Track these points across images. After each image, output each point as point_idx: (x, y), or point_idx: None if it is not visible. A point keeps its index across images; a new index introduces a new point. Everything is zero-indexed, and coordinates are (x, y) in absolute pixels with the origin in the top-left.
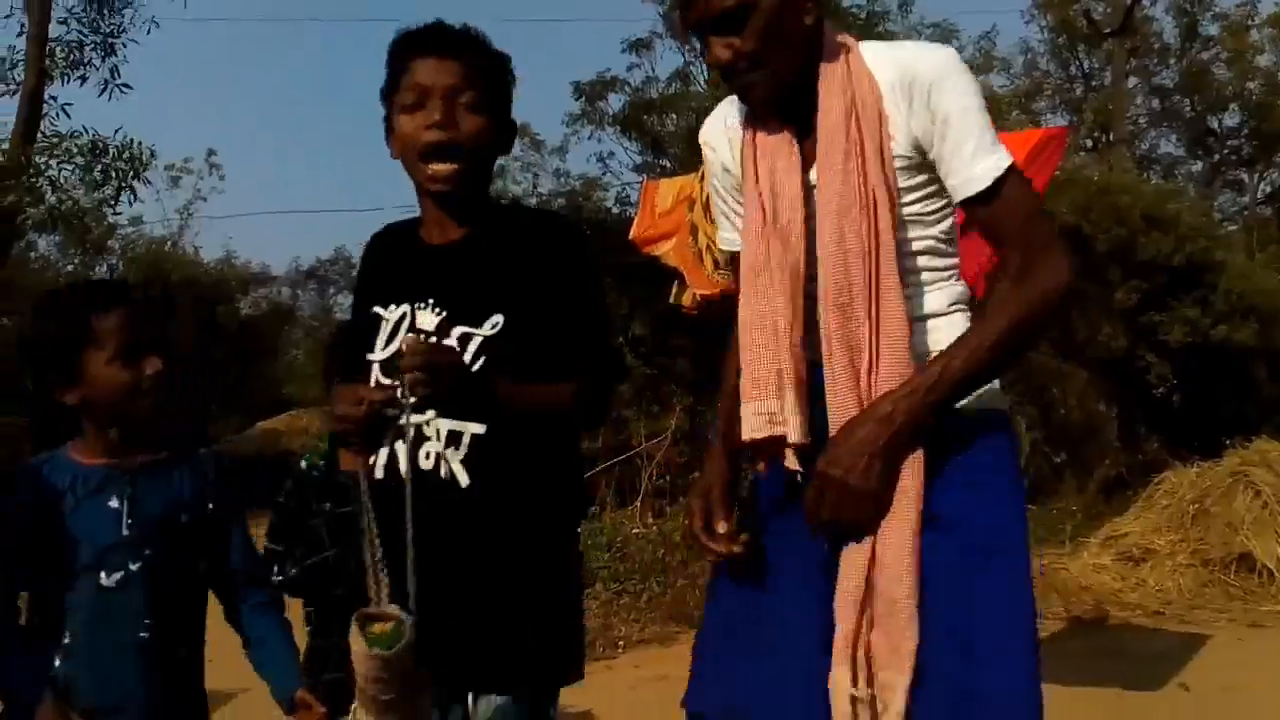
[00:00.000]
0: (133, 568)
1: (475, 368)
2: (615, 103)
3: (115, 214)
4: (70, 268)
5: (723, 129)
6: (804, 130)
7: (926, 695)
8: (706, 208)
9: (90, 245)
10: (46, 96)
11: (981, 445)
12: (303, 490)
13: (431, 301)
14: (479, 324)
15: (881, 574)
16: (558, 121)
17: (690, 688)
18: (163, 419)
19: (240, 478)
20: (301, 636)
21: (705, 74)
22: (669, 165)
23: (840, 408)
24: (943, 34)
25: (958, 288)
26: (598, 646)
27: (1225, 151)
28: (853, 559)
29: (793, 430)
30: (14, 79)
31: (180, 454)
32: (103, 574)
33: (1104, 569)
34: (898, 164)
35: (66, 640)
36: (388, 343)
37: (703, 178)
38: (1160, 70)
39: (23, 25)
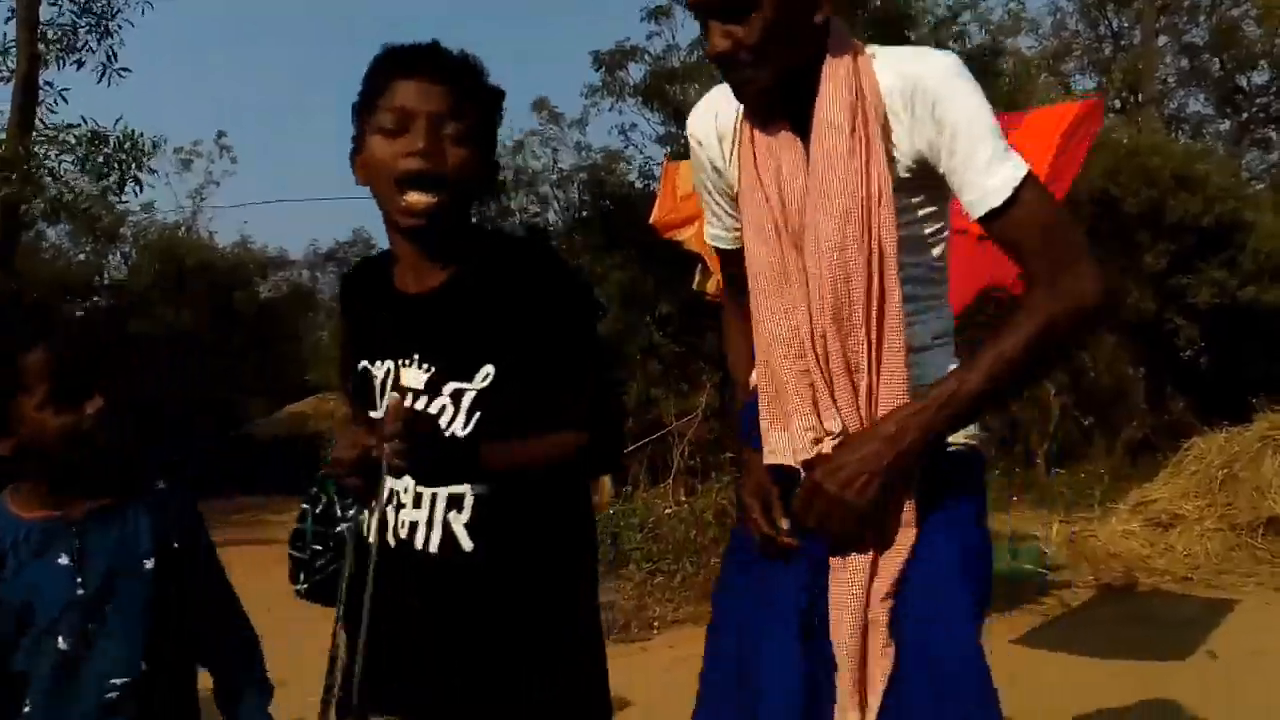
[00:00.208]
0: (91, 627)
1: (470, 423)
2: (636, 73)
3: (122, 203)
4: (82, 256)
5: (713, 124)
6: (803, 130)
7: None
8: None
9: (101, 234)
10: (42, 83)
11: (960, 486)
12: (328, 496)
13: (417, 357)
14: (469, 378)
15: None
16: (576, 93)
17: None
18: (114, 459)
19: (270, 461)
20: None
21: None
22: None
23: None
24: None
25: (944, 321)
26: (632, 628)
27: (1254, 109)
28: (845, 606)
29: (827, 446)
30: (6, 66)
31: (131, 492)
32: (60, 638)
33: (1132, 535)
34: (900, 175)
35: (27, 710)
36: (381, 399)
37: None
38: (1190, 28)
39: (12, 9)
